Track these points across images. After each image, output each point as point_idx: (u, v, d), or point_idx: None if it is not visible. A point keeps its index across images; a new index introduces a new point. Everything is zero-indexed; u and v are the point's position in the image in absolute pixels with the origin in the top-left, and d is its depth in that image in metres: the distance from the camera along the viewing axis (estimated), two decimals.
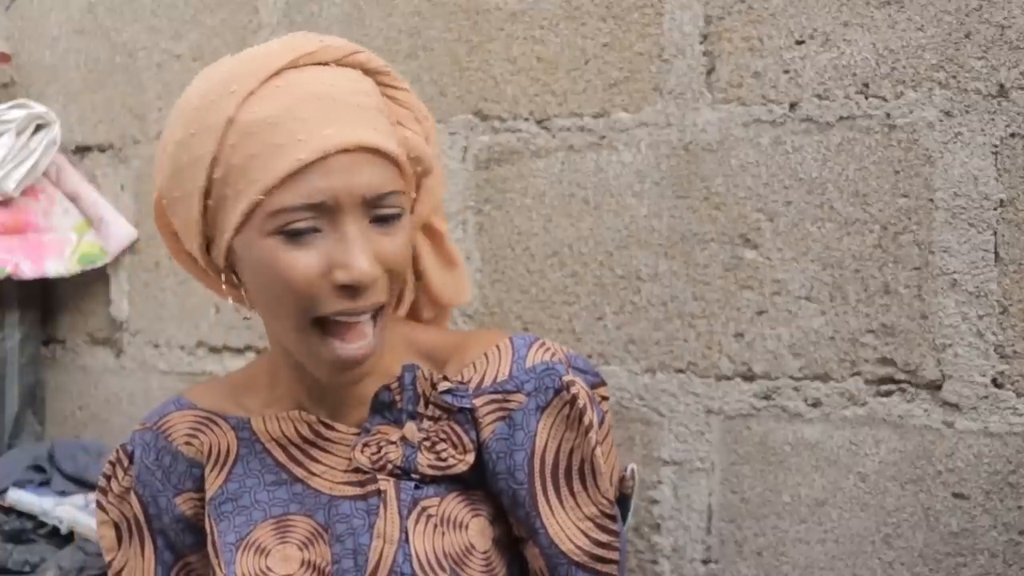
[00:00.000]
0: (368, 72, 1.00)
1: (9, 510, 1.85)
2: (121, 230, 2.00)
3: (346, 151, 0.91)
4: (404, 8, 1.66)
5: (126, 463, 1.11)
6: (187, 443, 1.09)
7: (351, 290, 0.93)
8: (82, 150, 2.09)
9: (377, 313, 0.97)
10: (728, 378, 1.42)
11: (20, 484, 1.87)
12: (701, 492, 1.45)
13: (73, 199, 2.06)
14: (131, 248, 2.01)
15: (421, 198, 1.06)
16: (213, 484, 1.07)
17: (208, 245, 0.99)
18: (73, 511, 1.78)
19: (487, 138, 1.59)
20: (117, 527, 1.12)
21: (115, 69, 2.02)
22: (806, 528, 1.38)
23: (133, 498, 1.10)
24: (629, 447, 1.49)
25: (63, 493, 1.84)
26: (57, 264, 2.01)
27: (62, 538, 1.78)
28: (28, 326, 2.10)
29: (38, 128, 2.00)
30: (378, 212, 0.94)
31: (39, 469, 1.91)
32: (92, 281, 2.07)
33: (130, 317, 2.02)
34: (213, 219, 0.96)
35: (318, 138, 0.91)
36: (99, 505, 1.13)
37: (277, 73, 0.93)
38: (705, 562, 1.45)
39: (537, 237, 1.54)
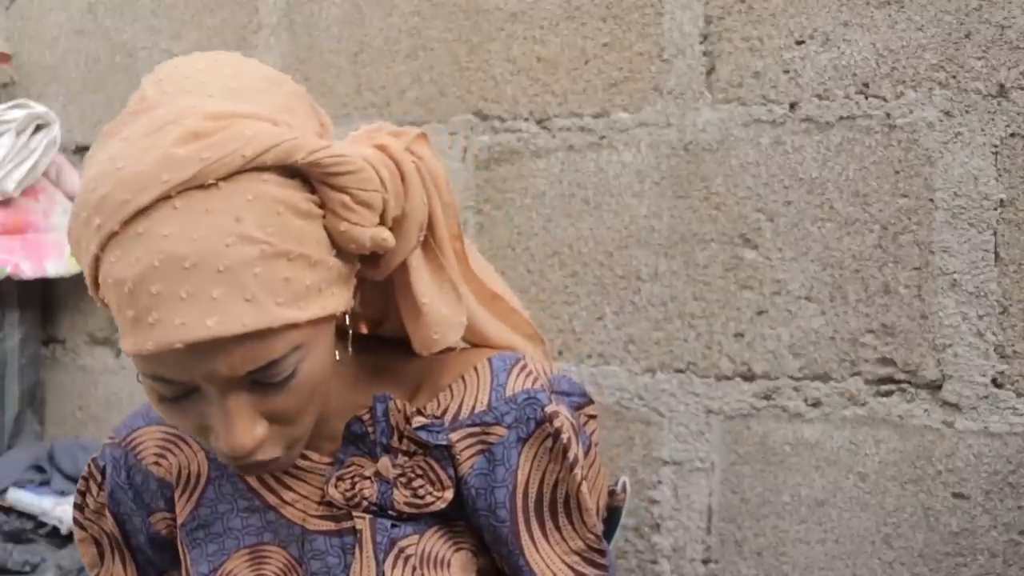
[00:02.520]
0: (286, 168, 0.82)
1: (9, 510, 1.84)
2: None
3: (199, 342, 0.78)
4: (404, 8, 1.66)
5: (99, 478, 1.07)
6: (156, 463, 1.04)
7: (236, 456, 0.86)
8: (82, 150, 2.09)
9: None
10: (728, 378, 1.42)
11: (20, 484, 1.87)
12: (701, 492, 1.45)
13: (73, 199, 2.06)
14: None
15: (398, 246, 0.93)
16: (184, 509, 1.03)
17: None
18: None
19: (487, 138, 1.59)
20: (97, 543, 1.08)
21: (115, 69, 2.02)
22: (806, 528, 1.38)
23: (108, 515, 1.06)
24: (629, 447, 1.49)
25: (63, 493, 1.84)
26: (57, 264, 2.01)
27: (62, 538, 1.78)
28: (28, 326, 2.10)
29: (38, 128, 1.99)
30: (259, 380, 0.83)
31: (39, 469, 1.91)
32: None
33: None
34: None
35: (168, 328, 0.78)
36: (76, 522, 1.08)
37: (142, 211, 0.78)
38: (705, 562, 1.45)
39: (537, 237, 1.54)
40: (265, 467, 0.89)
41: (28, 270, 1.97)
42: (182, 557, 1.03)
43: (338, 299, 0.87)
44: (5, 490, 1.86)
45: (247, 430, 0.84)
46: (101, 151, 0.82)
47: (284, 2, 1.79)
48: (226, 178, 0.79)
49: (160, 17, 1.95)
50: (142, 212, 0.77)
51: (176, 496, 1.04)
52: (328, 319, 0.87)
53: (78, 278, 2.05)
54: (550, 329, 1.53)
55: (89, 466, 1.08)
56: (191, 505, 1.03)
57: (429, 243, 0.98)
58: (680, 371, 1.45)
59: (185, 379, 0.81)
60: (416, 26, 1.64)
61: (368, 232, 0.87)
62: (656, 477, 1.47)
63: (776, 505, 1.40)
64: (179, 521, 1.03)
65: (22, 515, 1.83)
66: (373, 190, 0.87)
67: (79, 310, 2.11)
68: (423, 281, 0.97)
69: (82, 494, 1.08)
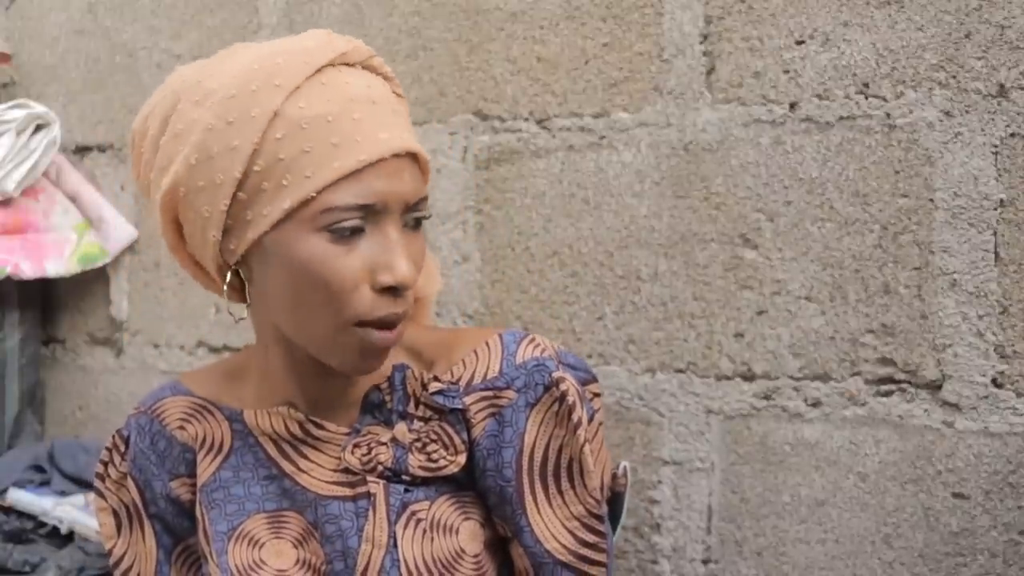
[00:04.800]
0: (382, 77, 1.01)
1: (9, 510, 1.84)
2: (121, 230, 2.00)
3: (397, 156, 0.94)
4: (404, 8, 1.66)
5: (123, 448, 1.11)
6: (180, 428, 1.09)
7: (392, 292, 0.94)
8: (82, 150, 2.09)
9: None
10: (728, 378, 1.42)
11: (20, 484, 1.87)
12: (701, 492, 1.45)
13: (73, 199, 2.06)
14: (131, 248, 2.01)
15: None
16: (206, 471, 1.07)
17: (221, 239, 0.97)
18: (73, 511, 1.78)
19: (487, 138, 1.59)
20: (116, 514, 1.12)
21: (115, 69, 2.02)
22: (806, 528, 1.38)
23: (130, 483, 1.10)
24: (629, 447, 1.49)
25: (63, 493, 1.84)
26: (57, 264, 2.01)
27: (62, 538, 1.78)
28: (28, 326, 2.10)
29: (38, 128, 1.99)
30: (414, 215, 0.97)
31: (39, 469, 1.90)
32: (92, 281, 2.07)
33: (130, 317, 2.02)
34: (240, 212, 0.94)
35: (374, 141, 0.93)
36: (97, 492, 1.13)
37: (320, 70, 0.95)
38: (705, 562, 1.45)
39: (537, 237, 1.54)
40: (391, 338, 0.97)
41: (28, 270, 1.97)
42: (200, 518, 1.07)
43: None
44: (5, 490, 1.86)
45: (409, 260, 0.95)
46: (241, 55, 0.98)
47: (284, 2, 1.79)
48: (362, 64, 0.99)
49: (160, 17, 1.95)
50: (319, 71, 0.95)
51: (199, 459, 1.08)
52: None
53: (78, 278, 2.05)
54: (550, 329, 1.53)
55: (113, 437, 1.13)
56: (213, 467, 1.08)
57: None
58: (680, 371, 1.45)
59: (371, 200, 0.93)
60: (416, 26, 1.65)
61: None
62: (656, 477, 1.47)
63: (776, 505, 1.40)
64: (199, 483, 1.08)
65: (22, 515, 1.83)
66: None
67: (79, 310, 2.11)
68: None
69: (104, 464, 1.13)
